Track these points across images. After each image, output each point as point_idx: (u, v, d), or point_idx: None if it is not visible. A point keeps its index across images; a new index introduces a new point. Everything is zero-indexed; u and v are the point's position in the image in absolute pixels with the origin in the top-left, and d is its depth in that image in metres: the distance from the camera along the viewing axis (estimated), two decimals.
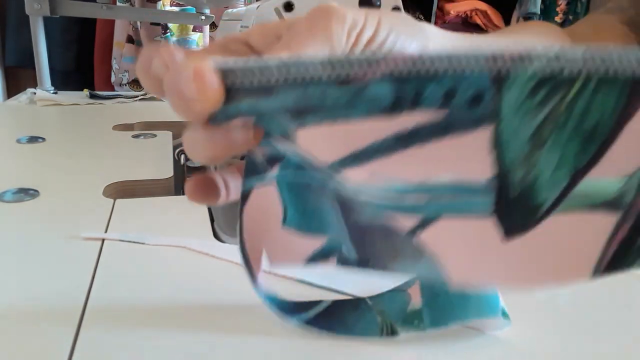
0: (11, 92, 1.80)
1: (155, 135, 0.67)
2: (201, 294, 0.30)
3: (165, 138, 0.66)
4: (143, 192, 0.48)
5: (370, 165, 0.17)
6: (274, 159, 0.21)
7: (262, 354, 0.25)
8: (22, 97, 0.93)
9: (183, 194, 0.57)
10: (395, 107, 0.15)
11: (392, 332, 0.26)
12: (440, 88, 0.14)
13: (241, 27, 0.49)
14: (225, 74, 0.16)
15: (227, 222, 0.41)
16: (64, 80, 1.30)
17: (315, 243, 0.23)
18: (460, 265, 0.20)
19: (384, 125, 0.15)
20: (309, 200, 0.22)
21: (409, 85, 0.15)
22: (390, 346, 0.25)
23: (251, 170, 0.21)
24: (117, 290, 0.30)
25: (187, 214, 0.41)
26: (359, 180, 0.17)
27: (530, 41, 0.35)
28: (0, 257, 0.33)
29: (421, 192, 0.17)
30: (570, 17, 2.08)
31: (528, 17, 2.13)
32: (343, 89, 0.15)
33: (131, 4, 1.56)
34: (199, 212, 0.42)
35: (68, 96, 0.94)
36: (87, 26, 1.72)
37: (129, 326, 0.26)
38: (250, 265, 0.25)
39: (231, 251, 0.35)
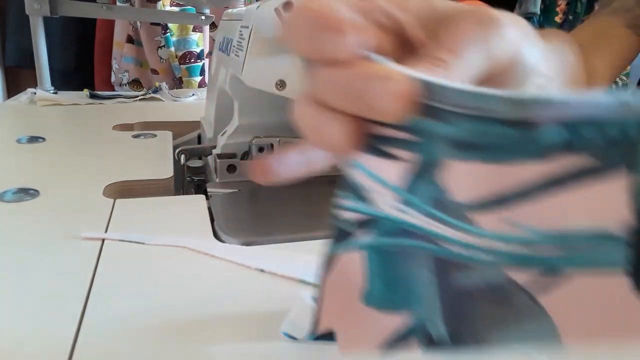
0: (11, 92, 1.80)
1: (155, 135, 0.67)
2: (201, 294, 0.30)
3: (165, 138, 0.66)
4: (143, 192, 0.48)
5: (508, 210, 0.16)
6: (366, 223, 0.20)
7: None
8: (22, 97, 0.93)
9: (183, 193, 0.57)
10: (558, 150, 0.14)
11: None
12: (615, 132, 0.13)
13: (241, 27, 0.49)
14: (419, 89, 0.15)
15: (227, 222, 0.41)
16: (64, 80, 1.30)
17: (395, 321, 0.21)
18: (582, 327, 0.17)
19: (537, 168, 0.15)
20: (397, 267, 0.20)
21: (584, 130, 0.14)
22: None
23: (337, 236, 0.20)
24: (117, 290, 0.30)
25: (187, 214, 0.41)
26: (490, 227, 0.16)
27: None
28: (0, 257, 0.33)
29: (554, 241, 0.15)
30: (570, 17, 2.07)
31: (528, 17, 2.13)
32: (515, 130, 0.14)
33: (131, 4, 1.56)
34: (199, 212, 0.42)
35: (68, 96, 0.94)
36: (87, 26, 1.72)
37: (129, 326, 0.26)
38: (315, 330, 0.23)
39: (230, 251, 0.35)
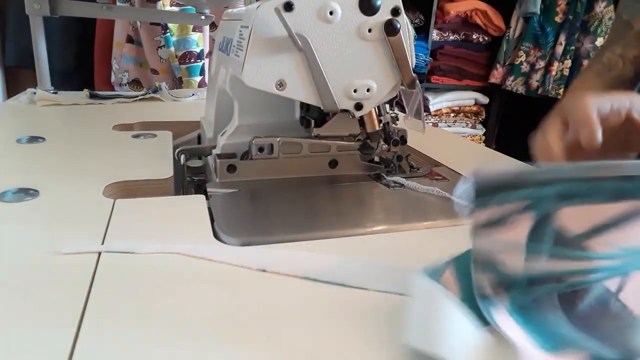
0: (11, 92, 1.80)
1: (155, 135, 0.67)
2: (201, 293, 0.30)
3: (165, 138, 0.66)
4: (143, 192, 0.48)
5: (606, 235, 0.23)
6: (501, 286, 0.25)
7: None
8: (22, 97, 0.93)
9: (183, 194, 0.57)
10: (623, 196, 0.22)
11: None
12: None
13: (241, 27, 0.49)
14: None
15: (227, 222, 0.41)
16: (64, 80, 1.30)
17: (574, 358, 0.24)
18: None
19: (615, 206, 0.22)
20: (537, 318, 0.24)
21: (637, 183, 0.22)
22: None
23: (480, 295, 0.25)
24: (117, 289, 0.30)
25: (187, 214, 0.41)
26: (596, 249, 0.23)
27: None
28: (0, 256, 0.33)
29: (633, 253, 0.23)
30: (570, 17, 2.07)
31: (528, 16, 2.13)
32: (591, 184, 0.23)
33: (131, 4, 1.56)
34: (199, 212, 0.42)
35: (68, 96, 0.94)
36: (86, 26, 1.72)
37: (129, 324, 0.26)
38: None
39: (226, 252, 0.35)
